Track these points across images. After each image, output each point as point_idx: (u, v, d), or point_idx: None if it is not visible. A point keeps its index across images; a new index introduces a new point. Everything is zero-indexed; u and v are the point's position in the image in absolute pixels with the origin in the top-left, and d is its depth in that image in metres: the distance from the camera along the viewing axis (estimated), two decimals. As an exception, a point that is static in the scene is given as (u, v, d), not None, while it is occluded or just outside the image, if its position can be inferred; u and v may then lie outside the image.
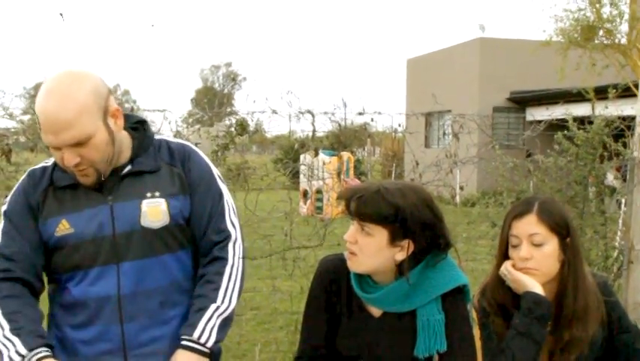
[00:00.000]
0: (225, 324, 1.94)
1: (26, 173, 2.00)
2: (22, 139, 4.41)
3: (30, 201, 1.93)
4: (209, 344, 1.88)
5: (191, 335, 1.87)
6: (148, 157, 1.97)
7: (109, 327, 1.88)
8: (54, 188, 1.93)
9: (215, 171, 2.07)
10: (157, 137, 2.06)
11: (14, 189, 1.98)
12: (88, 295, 1.89)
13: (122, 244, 1.89)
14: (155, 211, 1.91)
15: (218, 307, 1.92)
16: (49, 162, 1.99)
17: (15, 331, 1.79)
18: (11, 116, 4.05)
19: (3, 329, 1.80)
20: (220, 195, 2.02)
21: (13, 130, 4.33)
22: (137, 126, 2.01)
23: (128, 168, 1.94)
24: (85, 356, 1.90)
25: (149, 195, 1.92)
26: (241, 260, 2.01)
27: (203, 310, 1.91)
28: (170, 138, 2.10)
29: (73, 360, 1.92)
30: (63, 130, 1.77)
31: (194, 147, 2.08)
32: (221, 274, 1.95)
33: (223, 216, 2.01)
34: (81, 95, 1.80)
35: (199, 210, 1.98)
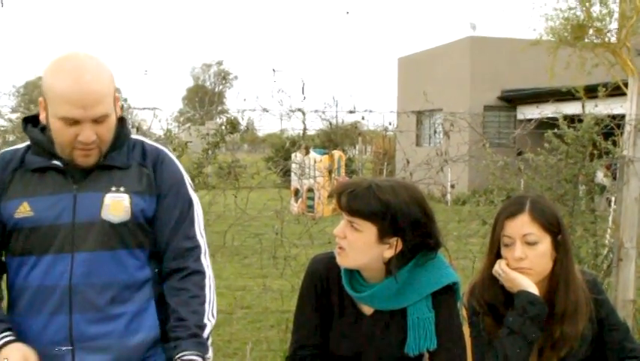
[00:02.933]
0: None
1: None
2: (11, 137, 4.38)
3: None
4: None
5: (206, 354, 1.90)
6: (120, 154, 1.99)
7: (57, 317, 1.86)
8: (23, 170, 1.94)
9: (187, 179, 2.09)
10: (134, 137, 2.07)
11: None
12: (38, 282, 1.87)
13: (80, 234, 1.88)
14: (117, 205, 1.92)
15: (211, 325, 1.96)
16: (22, 145, 2.00)
17: None
18: (-1, 114, 4.03)
19: None
20: (190, 202, 2.05)
21: (2, 129, 4.31)
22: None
23: (100, 161, 1.95)
24: (31, 344, 1.87)
25: (113, 188, 1.93)
26: (211, 271, 2.05)
27: (203, 328, 1.93)
28: (148, 141, 2.11)
29: None
30: (94, 104, 1.83)
31: (169, 153, 2.10)
32: (202, 287, 1.98)
33: (192, 224, 2.03)
34: (106, 75, 1.90)
35: (167, 214, 1.99)
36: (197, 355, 1.87)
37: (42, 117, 1.91)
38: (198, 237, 2.03)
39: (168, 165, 2.04)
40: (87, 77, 1.83)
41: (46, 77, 1.86)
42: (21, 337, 1.86)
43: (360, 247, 1.91)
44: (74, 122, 1.84)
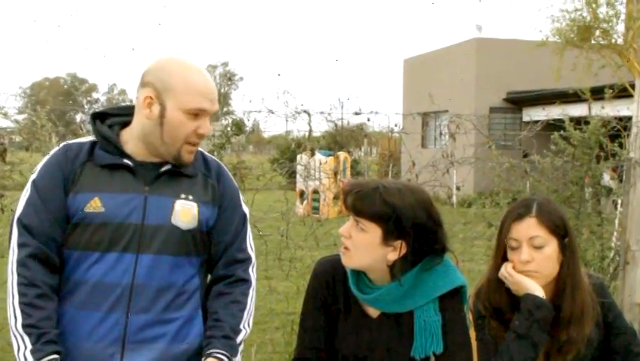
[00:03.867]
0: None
1: (61, 146, 2.00)
2: (18, 139, 4.39)
3: (64, 173, 1.92)
4: None
5: (234, 358, 1.94)
6: None
7: (113, 314, 1.87)
8: (92, 164, 1.95)
9: (240, 194, 2.16)
10: None
11: (46, 160, 1.96)
12: (98, 278, 1.88)
13: (147, 235, 1.90)
14: (186, 212, 1.95)
15: (246, 333, 2.00)
16: (85, 140, 2.01)
17: (27, 328, 1.80)
18: (6, 115, 4.03)
19: (16, 321, 1.81)
20: (245, 217, 2.11)
21: (8, 130, 4.32)
22: None
23: (168, 166, 1.97)
24: (79, 340, 1.88)
25: (183, 196, 1.96)
26: (255, 283, 2.10)
27: (237, 333, 1.98)
28: (205, 152, 2.14)
29: (64, 345, 1.87)
30: (216, 100, 1.98)
31: (224, 166, 2.17)
32: (246, 295, 2.03)
33: (245, 239, 2.09)
34: None
35: (225, 225, 2.04)
36: (225, 355, 1.90)
37: (146, 113, 1.92)
38: (249, 250, 2.09)
39: (227, 178, 2.11)
40: (210, 76, 1.98)
41: (171, 72, 1.90)
42: (73, 332, 1.88)
43: (365, 248, 1.91)
44: (197, 115, 1.91)
